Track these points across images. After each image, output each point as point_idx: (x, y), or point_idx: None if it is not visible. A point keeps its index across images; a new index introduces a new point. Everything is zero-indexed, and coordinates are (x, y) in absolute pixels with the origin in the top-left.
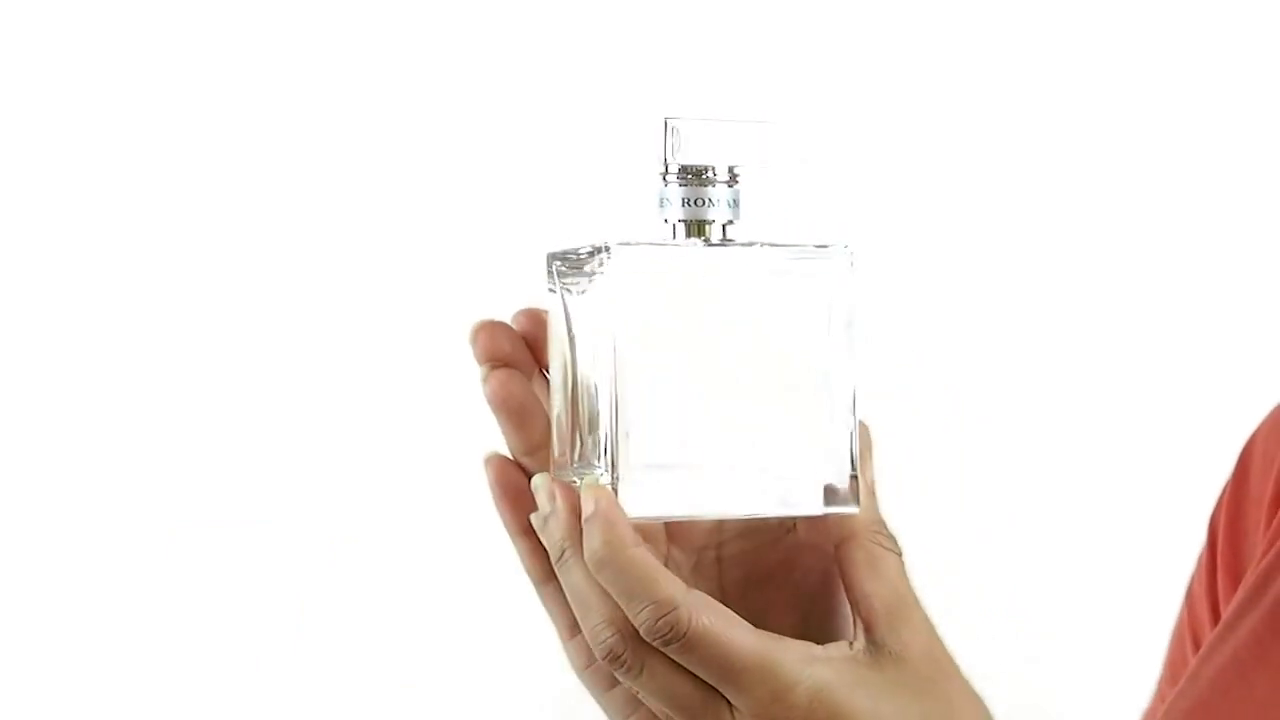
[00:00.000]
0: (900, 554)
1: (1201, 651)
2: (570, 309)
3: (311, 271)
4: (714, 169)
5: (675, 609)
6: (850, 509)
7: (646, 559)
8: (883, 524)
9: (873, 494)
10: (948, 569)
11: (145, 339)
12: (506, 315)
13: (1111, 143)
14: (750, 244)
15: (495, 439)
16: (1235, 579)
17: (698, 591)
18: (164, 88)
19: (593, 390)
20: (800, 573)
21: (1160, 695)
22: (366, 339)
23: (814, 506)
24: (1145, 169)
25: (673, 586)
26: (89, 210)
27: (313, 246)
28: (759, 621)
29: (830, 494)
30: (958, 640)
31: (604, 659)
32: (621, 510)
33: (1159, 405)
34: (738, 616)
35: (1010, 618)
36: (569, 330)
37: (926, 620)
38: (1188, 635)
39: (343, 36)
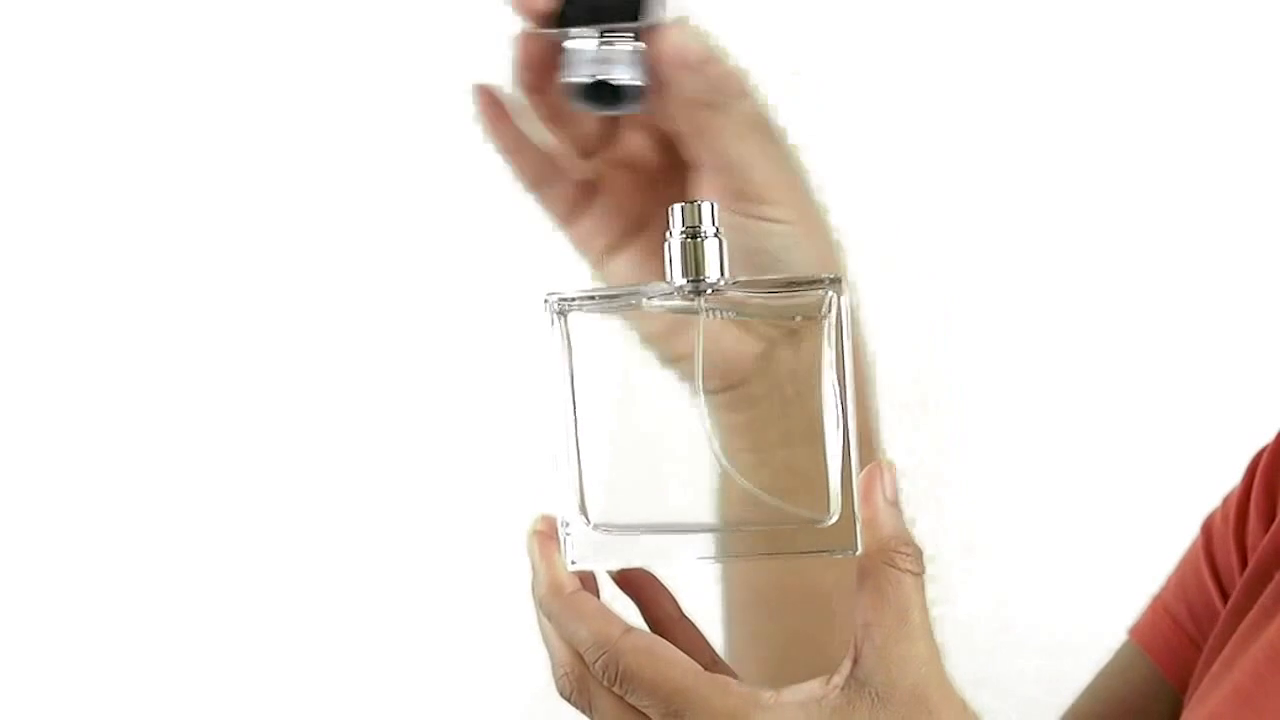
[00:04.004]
0: (920, 573)
1: (1234, 638)
2: (553, 360)
3: (310, 273)
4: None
5: (605, 651)
6: (844, 553)
7: (582, 602)
8: (903, 540)
9: (896, 508)
10: (948, 571)
11: (145, 341)
12: (507, 326)
13: (1118, 143)
14: (732, 284)
15: (492, 440)
16: (1267, 525)
17: (639, 630)
18: (172, 93)
19: (561, 443)
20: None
21: (1163, 603)
22: (366, 341)
23: (804, 546)
24: (1154, 168)
25: (610, 627)
26: (93, 211)
27: (310, 247)
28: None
29: (821, 535)
30: (961, 644)
31: (561, 695)
32: (560, 555)
33: (1172, 410)
34: (681, 656)
35: (1016, 621)
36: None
37: (928, 653)
38: (1204, 560)
39: (347, 38)
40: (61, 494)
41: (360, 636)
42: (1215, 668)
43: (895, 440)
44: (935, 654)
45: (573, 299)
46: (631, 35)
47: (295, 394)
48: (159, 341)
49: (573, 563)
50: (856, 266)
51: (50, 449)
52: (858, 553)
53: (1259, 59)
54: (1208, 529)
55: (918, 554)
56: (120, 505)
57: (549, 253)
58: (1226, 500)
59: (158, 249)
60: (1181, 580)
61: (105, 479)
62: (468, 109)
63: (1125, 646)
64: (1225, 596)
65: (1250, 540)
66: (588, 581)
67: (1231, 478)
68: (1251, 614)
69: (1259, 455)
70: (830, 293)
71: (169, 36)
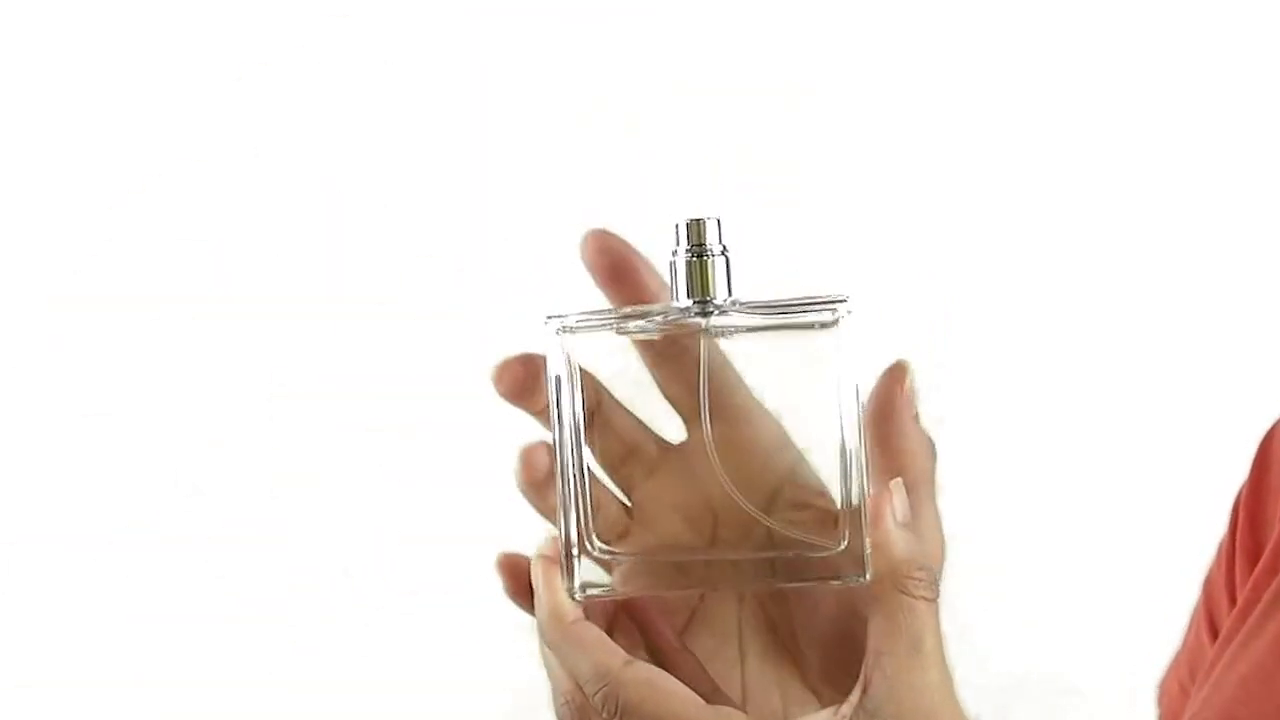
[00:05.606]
0: (934, 599)
1: (1226, 657)
2: (555, 383)
3: (307, 276)
4: None
5: (606, 684)
6: (855, 580)
7: (583, 632)
8: (915, 564)
9: (907, 530)
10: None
11: (142, 344)
12: (513, 346)
13: (1116, 144)
14: (738, 304)
15: (489, 443)
16: (1253, 566)
17: (641, 663)
18: (173, 94)
19: (564, 471)
20: (821, 622)
21: (1175, 672)
22: (370, 361)
23: (813, 574)
24: (1152, 170)
25: (611, 659)
26: (94, 213)
27: (310, 255)
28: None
29: (831, 561)
30: (958, 646)
31: None
32: (563, 583)
33: (1172, 410)
34: (681, 688)
35: (1011, 624)
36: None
37: (940, 681)
38: (1203, 620)
39: (349, 42)
40: (60, 494)
41: (363, 652)
42: (1235, 644)
43: None
44: (948, 681)
45: (575, 321)
46: None
47: (299, 409)
48: (163, 343)
49: (575, 590)
50: (857, 266)
51: (49, 449)
52: (868, 579)
53: (1259, 59)
54: (1206, 585)
55: (931, 578)
56: (122, 505)
57: (555, 273)
58: (1219, 550)
59: (161, 251)
60: (1190, 645)
61: (105, 478)
62: (470, 119)
63: None
64: None
65: (1239, 585)
66: (591, 609)
67: (1231, 476)
68: (1276, 580)
69: (1238, 496)
70: (840, 310)
71: (169, 38)
